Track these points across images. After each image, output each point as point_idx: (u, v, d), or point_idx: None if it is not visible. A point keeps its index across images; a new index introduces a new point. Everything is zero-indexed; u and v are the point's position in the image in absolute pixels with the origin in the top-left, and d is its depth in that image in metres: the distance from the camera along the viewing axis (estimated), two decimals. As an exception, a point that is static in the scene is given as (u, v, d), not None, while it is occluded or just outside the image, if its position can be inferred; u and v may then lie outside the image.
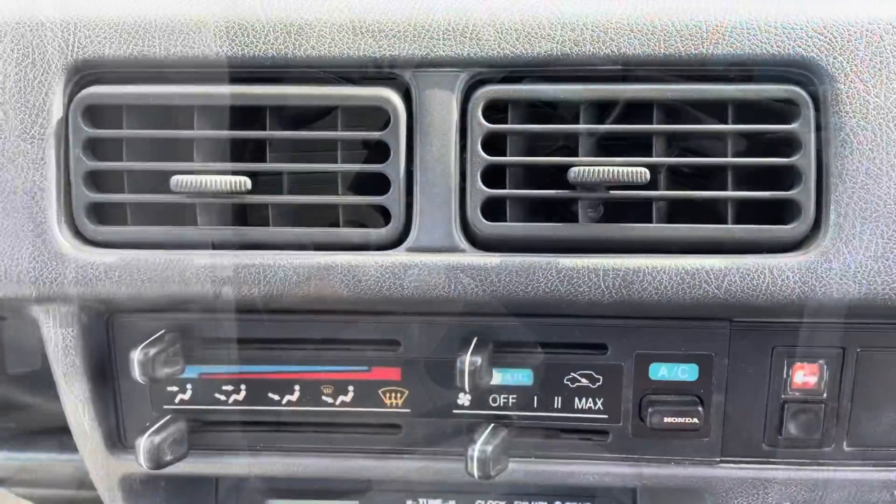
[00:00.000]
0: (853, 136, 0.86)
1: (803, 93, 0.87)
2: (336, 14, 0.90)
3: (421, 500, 1.17)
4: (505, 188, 0.90)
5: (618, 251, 0.90)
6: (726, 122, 0.88)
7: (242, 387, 1.01)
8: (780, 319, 0.94)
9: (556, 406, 0.99)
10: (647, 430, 0.98)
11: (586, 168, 0.85)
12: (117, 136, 0.91)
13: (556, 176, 0.88)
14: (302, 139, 0.92)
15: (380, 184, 0.90)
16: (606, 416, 0.99)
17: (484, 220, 0.89)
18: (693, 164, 0.89)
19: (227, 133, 0.91)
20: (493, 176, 0.89)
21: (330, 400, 1.01)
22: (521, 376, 0.99)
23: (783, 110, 0.88)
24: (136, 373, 0.91)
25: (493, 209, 0.90)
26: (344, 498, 1.18)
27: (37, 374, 1.12)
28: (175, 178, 0.88)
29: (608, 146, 0.91)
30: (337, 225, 0.92)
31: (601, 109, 0.90)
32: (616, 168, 0.84)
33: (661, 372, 0.97)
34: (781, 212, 0.90)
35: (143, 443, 0.94)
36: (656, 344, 0.96)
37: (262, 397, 1.01)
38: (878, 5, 0.88)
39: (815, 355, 0.95)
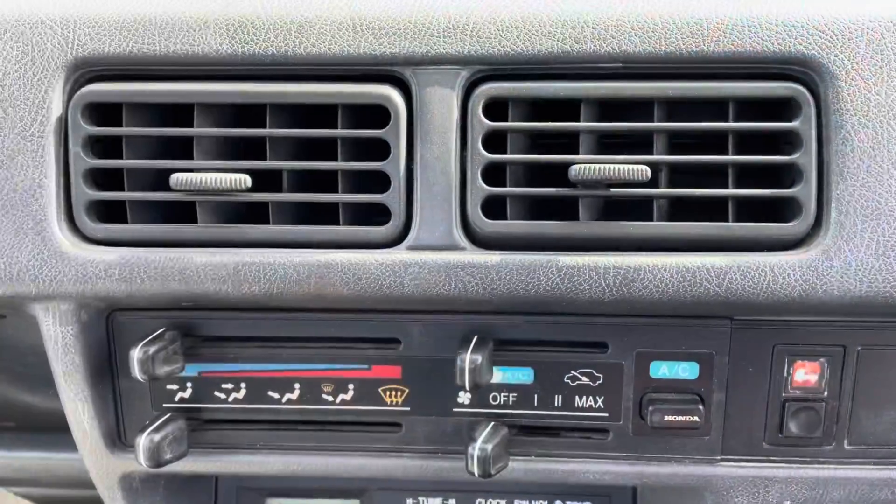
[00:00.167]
0: (854, 133, 0.86)
1: (804, 90, 0.87)
2: (336, 11, 0.90)
3: (421, 499, 1.17)
4: (505, 186, 0.90)
5: (618, 249, 0.89)
6: (727, 120, 0.88)
7: (242, 385, 1.01)
8: (780, 318, 0.94)
9: (556, 404, 0.99)
10: (648, 429, 0.98)
11: (587, 166, 0.85)
12: (117, 133, 0.91)
13: (557, 174, 0.88)
14: (302, 137, 0.92)
15: (380, 182, 0.90)
16: (607, 415, 0.99)
17: (484, 218, 0.89)
18: (694, 162, 0.89)
19: (227, 131, 0.91)
20: (493, 174, 0.89)
21: (330, 398, 1.01)
22: (522, 374, 0.99)
23: (784, 108, 0.88)
24: (136, 371, 0.91)
25: (494, 207, 0.89)
26: (344, 497, 1.18)
27: (36, 372, 1.12)
28: (175, 176, 0.88)
29: (609, 144, 0.91)
30: (337, 223, 0.92)
31: (602, 107, 0.90)
32: (617, 166, 0.84)
33: (661, 370, 0.97)
34: (782, 210, 0.90)
35: (142, 441, 0.94)
36: (657, 342, 0.96)
37: (262, 396, 1.01)
38: (879, 3, 0.88)
39: (816, 353, 0.95)
